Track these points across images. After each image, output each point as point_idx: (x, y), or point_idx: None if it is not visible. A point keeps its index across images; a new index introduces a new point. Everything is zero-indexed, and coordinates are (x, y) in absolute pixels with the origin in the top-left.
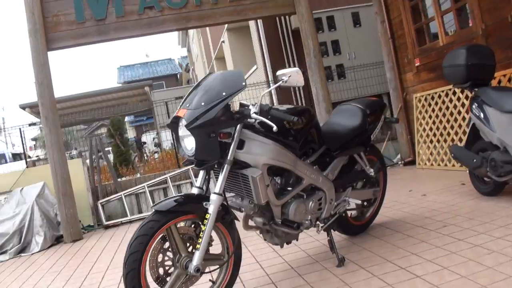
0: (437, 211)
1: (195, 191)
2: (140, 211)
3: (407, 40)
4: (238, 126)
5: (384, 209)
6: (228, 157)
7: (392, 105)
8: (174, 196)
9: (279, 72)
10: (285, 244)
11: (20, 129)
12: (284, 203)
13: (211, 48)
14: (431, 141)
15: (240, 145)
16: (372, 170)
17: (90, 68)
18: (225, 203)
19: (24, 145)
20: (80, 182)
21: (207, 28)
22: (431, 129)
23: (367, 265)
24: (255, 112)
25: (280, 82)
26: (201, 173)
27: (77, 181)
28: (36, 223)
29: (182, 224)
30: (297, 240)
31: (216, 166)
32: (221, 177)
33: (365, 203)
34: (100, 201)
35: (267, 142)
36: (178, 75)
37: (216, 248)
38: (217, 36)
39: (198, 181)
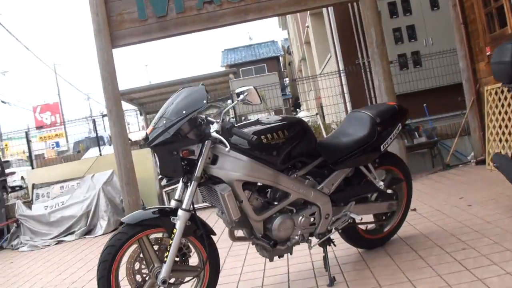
0: (468, 228)
1: (173, 204)
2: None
3: (478, 26)
4: (207, 142)
5: (420, 219)
6: (195, 174)
7: (465, 97)
8: (149, 208)
9: (237, 90)
10: (276, 257)
11: (94, 120)
12: (267, 218)
13: (301, 32)
14: (500, 140)
15: (214, 160)
16: (382, 183)
17: (197, 52)
18: (195, 218)
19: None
20: (149, 169)
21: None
22: (500, 126)
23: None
24: (216, 131)
25: (238, 100)
26: (180, 185)
27: (146, 168)
28: (101, 208)
29: (160, 235)
30: (291, 253)
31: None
32: (188, 193)
33: (383, 217)
34: (166, 189)
35: (241, 158)
36: (280, 58)
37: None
38: (304, 20)
39: (177, 194)
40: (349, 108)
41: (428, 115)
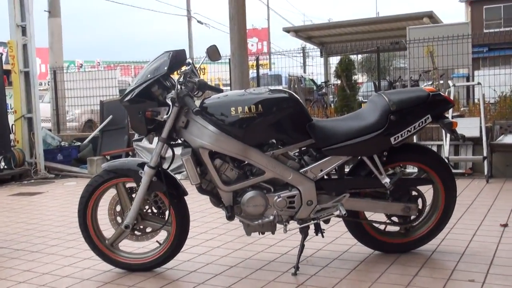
0: None
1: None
2: None
3: None
4: (174, 107)
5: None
6: (162, 135)
7: None
8: (131, 159)
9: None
10: (259, 233)
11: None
12: (238, 190)
13: None
14: None
15: (187, 124)
16: (388, 180)
17: None
18: (161, 175)
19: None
20: None
21: None
22: None
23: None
24: (171, 98)
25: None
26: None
27: None
28: None
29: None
30: (272, 233)
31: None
32: (154, 152)
33: (412, 217)
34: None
35: (207, 126)
36: None
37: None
38: None
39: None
40: None
41: None
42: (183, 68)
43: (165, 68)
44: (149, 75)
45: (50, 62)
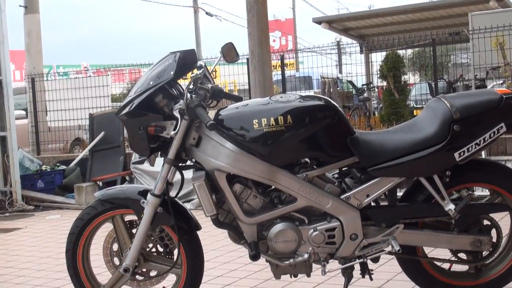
0: None
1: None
2: None
3: None
4: (183, 121)
5: None
6: (168, 155)
7: None
8: (130, 186)
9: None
10: (290, 276)
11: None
12: (264, 222)
13: None
14: None
15: (199, 141)
16: (452, 206)
17: None
18: (167, 205)
19: None
20: None
21: None
22: None
23: None
24: (180, 109)
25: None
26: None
27: None
28: None
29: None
30: (308, 275)
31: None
32: (159, 177)
33: (484, 254)
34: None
35: (224, 143)
36: None
37: None
38: None
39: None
40: None
41: None
42: (193, 72)
43: (171, 72)
44: (151, 82)
45: (28, 68)
